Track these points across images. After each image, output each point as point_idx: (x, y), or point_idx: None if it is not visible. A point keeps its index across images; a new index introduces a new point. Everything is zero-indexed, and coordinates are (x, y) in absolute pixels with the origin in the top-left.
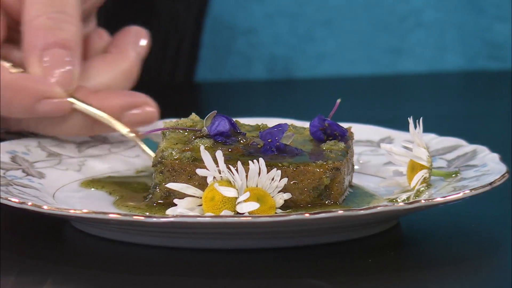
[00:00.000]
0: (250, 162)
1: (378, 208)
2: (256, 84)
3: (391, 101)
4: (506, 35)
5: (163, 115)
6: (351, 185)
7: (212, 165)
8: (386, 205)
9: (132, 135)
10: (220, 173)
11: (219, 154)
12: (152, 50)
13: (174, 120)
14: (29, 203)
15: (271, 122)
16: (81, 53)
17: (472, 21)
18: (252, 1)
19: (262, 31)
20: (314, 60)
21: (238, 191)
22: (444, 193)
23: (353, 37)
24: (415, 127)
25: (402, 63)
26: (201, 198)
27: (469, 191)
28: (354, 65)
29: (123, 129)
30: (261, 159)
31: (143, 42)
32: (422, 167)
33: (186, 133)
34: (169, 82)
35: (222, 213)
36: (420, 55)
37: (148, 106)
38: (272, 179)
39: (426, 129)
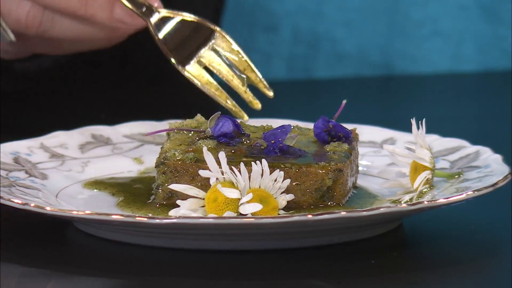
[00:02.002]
0: (252, 163)
1: (381, 209)
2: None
3: (394, 102)
4: None
5: (172, 115)
6: (355, 186)
7: (215, 166)
8: (389, 206)
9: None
10: (223, 174)
11: (221, 155)
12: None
13: (179, 121)
14: (32, 205)
15: (276, 123)
16: None
17: (489, 30)
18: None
19: (282, 29)
20: (333, 59)
21: (241, 192)
22: (447, 194)
23: (371, 40)
24: (418, 128)
25: (418, 69)
26: (203, 199)
27: (472, 192)
28: (370, 68)
29: None
30: (263, 160)
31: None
32: (425, 168)
33: (191, 134)
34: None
35: (225, 214)
36: (436, 63)
37: None
38: (275, 180)
39: (429, 130)
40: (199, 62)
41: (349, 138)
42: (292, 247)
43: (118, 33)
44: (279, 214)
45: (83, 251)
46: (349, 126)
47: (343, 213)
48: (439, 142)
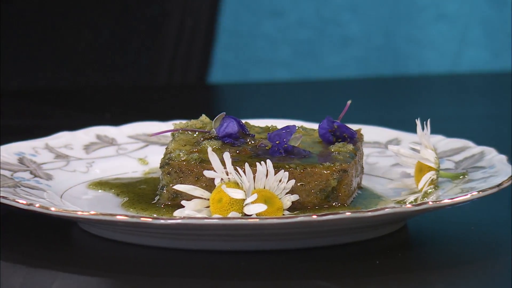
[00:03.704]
0: (257, 163)
1: (386, 210)
2: (266, 85)
3: (399, 103)
4: None
5: (174, 116)
6: (360, 187)
7: (220, 167)
8: (394, 207)
9: None
10: (227, 175)
11: (226, 155)
12: (163, 51)
13: (184, 121)
14: (37, 205)
15: (281, 123)
16: None
17: (495, 14)
18: None
19: (288, 14)
20: (339, 44)
21: (245, 193)
22: (451, 195)
23: (376, 24)
24: (423, 128)
25: (424, 55)
26: (208, 199)
27: (476, 192)
28: (375, 52)
29: None
30: (268, 161)
31: None
32: (430, 168)
33: (195, 135)
34: (182, 83)
35: (230, 215)
36: (441, 48)
37: None
38: (280, 180)
39: (433, 131)
40: None
41: (354, 138)
42: (297, 248)
43: None
44: (283, 214)
45: (88, 251)
46: (353, 127)
47: (348, 214)
48: (444, 142)
